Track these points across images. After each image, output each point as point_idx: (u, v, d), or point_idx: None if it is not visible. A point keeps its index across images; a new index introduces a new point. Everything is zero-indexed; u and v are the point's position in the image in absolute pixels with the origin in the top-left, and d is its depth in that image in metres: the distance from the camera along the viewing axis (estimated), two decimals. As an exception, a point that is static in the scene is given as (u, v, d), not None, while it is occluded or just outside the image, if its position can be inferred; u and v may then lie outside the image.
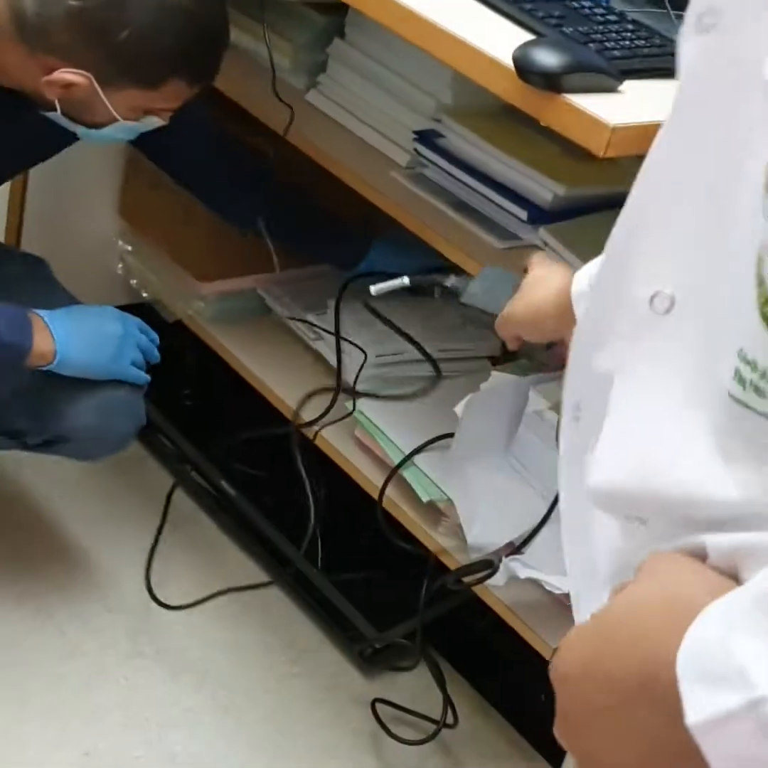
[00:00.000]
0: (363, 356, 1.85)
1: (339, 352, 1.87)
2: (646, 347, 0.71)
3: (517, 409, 1.67)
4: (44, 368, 1.61)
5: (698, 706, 0.57)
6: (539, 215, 1.62)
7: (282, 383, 1.90)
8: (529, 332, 1.31)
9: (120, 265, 2.15)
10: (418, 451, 1.74)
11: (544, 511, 1.59)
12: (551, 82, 1.23)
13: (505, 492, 1.67)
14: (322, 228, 1.95)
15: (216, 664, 1.85)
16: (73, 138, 1.67)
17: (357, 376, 1.84)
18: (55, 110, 1.54)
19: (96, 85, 1.49)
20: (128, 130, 1.59)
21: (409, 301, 1.91)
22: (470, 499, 1.67)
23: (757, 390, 0.64)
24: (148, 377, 1.72)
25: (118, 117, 1.54)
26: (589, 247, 1.58)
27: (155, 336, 1.74)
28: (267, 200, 1.89)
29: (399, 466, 1.73)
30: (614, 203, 1.77)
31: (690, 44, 0.69)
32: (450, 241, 1.63)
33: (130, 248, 2.14)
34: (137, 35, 1.46)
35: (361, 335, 1.88)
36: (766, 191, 0.61)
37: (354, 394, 1.82)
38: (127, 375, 1.69)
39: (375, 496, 1.74)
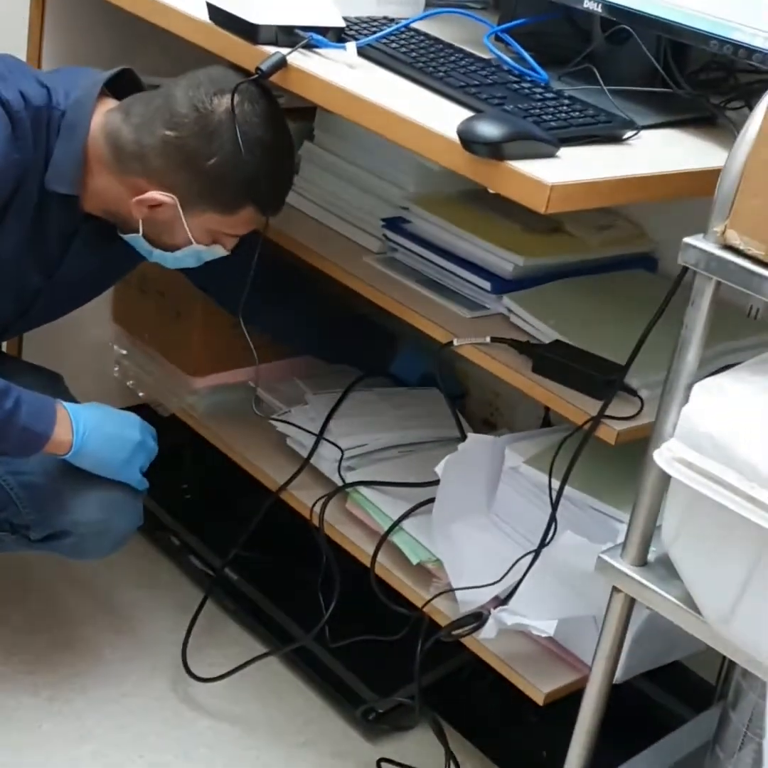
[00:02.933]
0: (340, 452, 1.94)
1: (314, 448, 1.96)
2: None
3: (494, 467, 1.77)
4: (59, 457, 1.71)
5: None
6: (502, 285, 1.73)
7: (274, 467, 2.01)
8: None
9: (116, 369, 2.25)
10: (405, 516, 1.84)
11: (528, 562, 1.67)
12: (493, 151, 1.32)
13: (490, 547, 1.76)
14: (352, 335, 2.12)
15: (226, 737, 1.92)
16: (138, 262, 1.83)
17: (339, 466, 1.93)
18: (137, 232, 1.69)
19: (179, 207, 1.65)
20: (196, 256, 1.74)
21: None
22: (458, 558, 1.75)
23: None
24: (147, 484, 1.82)
25: (192, 240, 1.69)
26: (549, 312, 1.70)
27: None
28: (305, 313, 2.06)
29: (388, 532, 1.83)
30: (570, 272, 1.91)
31: None
32: (422, 315, 1.74)
33: (124, 352, 2.25)
34: (221, 163, 1.62)
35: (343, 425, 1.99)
36: None
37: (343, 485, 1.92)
38: (134, 479, 1.79)
39: (367, 564, 1.83)
